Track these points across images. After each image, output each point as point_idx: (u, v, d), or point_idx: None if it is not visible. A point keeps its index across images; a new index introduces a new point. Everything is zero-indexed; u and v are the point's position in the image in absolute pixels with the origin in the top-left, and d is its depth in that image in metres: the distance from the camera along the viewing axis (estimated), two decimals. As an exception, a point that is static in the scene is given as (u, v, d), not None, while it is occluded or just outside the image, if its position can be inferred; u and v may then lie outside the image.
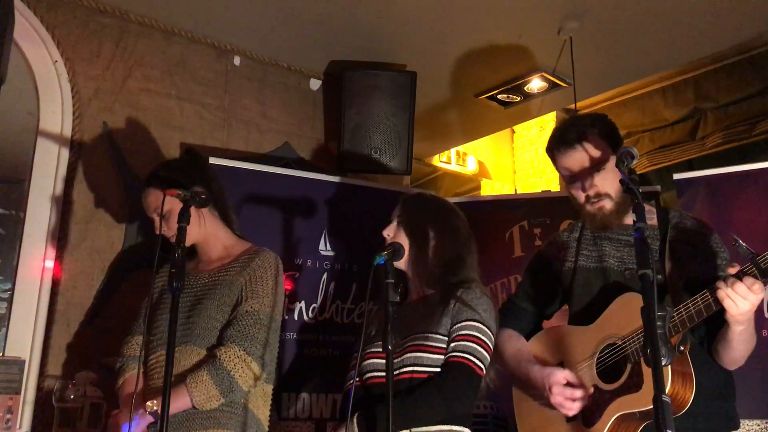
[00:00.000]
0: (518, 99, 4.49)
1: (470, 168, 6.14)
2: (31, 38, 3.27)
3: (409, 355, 2.19)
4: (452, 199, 4.26)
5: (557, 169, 2.33)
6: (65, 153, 3.27)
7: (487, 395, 3.38)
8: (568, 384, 2.12)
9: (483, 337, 2.21)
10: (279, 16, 3.67)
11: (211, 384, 2.23)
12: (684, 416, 1.92)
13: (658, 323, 1.57)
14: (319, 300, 3.49)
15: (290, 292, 3.41)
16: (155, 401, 2.20)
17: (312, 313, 3.47)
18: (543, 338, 2.39)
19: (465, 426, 2.20)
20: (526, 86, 4.34)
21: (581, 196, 2.24)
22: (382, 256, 2.08)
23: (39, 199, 3.17)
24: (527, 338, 2.42)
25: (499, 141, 6.26)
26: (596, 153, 2.19)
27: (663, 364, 1.54)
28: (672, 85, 5.31)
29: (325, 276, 3.53)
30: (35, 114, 3.26)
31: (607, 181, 2.19)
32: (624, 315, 2.08)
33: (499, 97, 4.47)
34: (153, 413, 2.20)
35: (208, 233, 2.52)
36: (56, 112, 3.29)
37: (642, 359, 1.94)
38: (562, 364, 2.23)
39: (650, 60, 4.13)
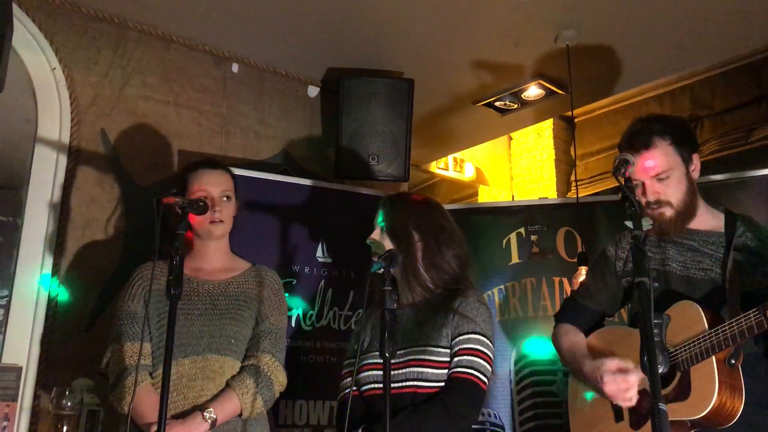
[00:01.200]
0: (515, 106, 4.50)
1: (467, 174, 6.16)
2: (30, 45, 3.27)
3: (412, 369, 2.16)
4: (449, 206, 4.27)
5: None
6: (63, 160, 3.27)
7: (485, 402, 3.38)
8: (620, 371, 2.09)
9: (485, 350, 2.19)
10: (277, 24, 3.68)
11: (258, 393, 2.32)
12: (735, 426, 1.94)
13: (655, 331, 1.58)
14: (317, 307, 3.50)
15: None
16: (212, 409, 2.22)
17: (309, 320, 3.47)
18: (600, 336, 2.37)
19: None
20: (524, 93, 4.35)
21: (642, 201, 2.21)
22: (379, 263, 2.08)
23: (37, 206, 3.17)
24: (585, 334, 2.40)
25: (497, 148, 6.27)
26: (663, 161, 2.18)
27: (659, 371, 1.54)
28: (668, 93, 5.34)
29: (322, 283, 3.54)
30: (33, 121, 3.26)
31: (670, 189, 2.19)
32: (678, 323, 2.08)
33: (496, 104, 4.48)
34: (213, 422, 2.22)
35: (222, 241, 2.52)
36: (54, 119, 3.29)
37: (690, 368, 1.98)
38: None
39: (647, 68, 4.14)
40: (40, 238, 3.15)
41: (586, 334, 2.41)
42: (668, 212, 2.20)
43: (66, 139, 3.30)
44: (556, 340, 2.44)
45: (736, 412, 1.94)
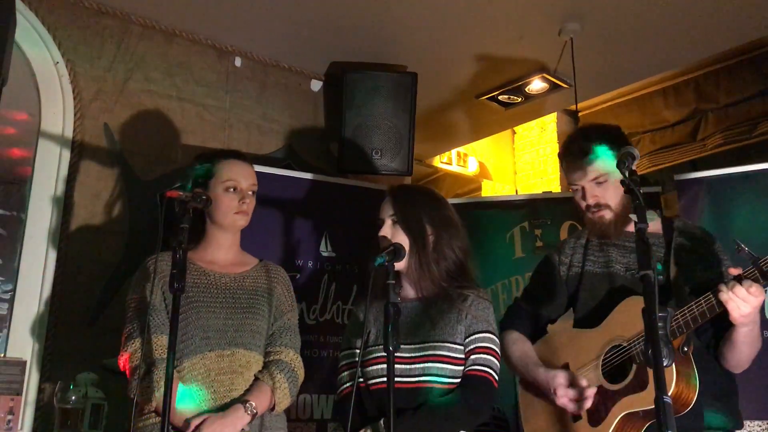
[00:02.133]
0: (519, 100, 4.49)
1: (471, 169, 6.15)
2: (33, 39, 3.28)
3: (431, 364, 2.15)
4: (453, 200, 4.26)
5: (565, 175, 2.41)
6: (66, 154, 3.27)
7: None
8: (571, 385, 2.16)
9: (496, 348, 2.23)
10: (280, 18, 3.67)
11: (287, 387, 2.32)
12: (688, 415, 1.97)
13: (659, 324, 1.58)
14: (320, 301, 3.50)
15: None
16: (252, 402, 2.21)
17: (313, 314, 3.47)
18: (548, 341, 2.42)
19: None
20: (527, 87, 4.34)
21: (582, 205, 2.33)
22: (383, 257, 2.07)
23: (40, 201, 3.17)
24: (532, 340, 2.44)
25: (500, 142, 6.26)
26: (599, 166, 2.26)
27: (664, 365, 1.55)
28: (673, 86, 5.32)
29: (325, 277, 3.54)
30: (36, 115, 3.26)
31: (609, 192, 2.27)
32: (629, 317, 2.12)
33: (499, 98, 4.47)
34: (254, 415, 2.21)
35: (238, 235, 2.51)
36: (57, 114, 3.29)
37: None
38: (567, 366, 2.27)
39: (651, 61, 4.13)
40: (43, 233, 3.15)
41: (532, 340, 2.45)
42: (608, 215, 2.28)
43: (69, 133, 3.30)
44: (504, 348, 2.41)
45: (690, 401, 1.98)
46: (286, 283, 2.54)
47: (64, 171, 3.25)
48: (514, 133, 6.33)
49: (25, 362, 2.96)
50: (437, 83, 4.28)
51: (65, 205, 3.22)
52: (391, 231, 2.29)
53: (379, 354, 2.20)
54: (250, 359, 2.32)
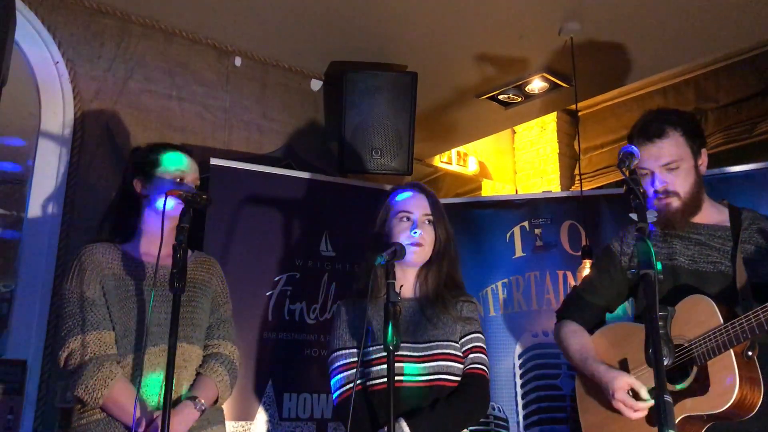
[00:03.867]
0: (519, 99, 4.49)
1: (471, 168, 6.15)
2: (33, 39, 3.28)
3: (441, 363, 2.18)
4: (453, 200, 4.27)
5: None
6: (66, 153, 3.27)
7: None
8: (632, 391, 2.10)
9: (485, 347, 2.29)
10: (280, 18, 3.67)
11: (228, 380, 2.33)
12: (752, 418, 1.95)
13: (660, 323, 1.58)
14: (320, 301, 3.50)
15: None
16: (200, 398, 2.22)
17: (313, 313, 3.47)
18: (607, 334, 2.36)
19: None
20: (527, 87, 4.34)
21: (650, 191, 2.22)
22: (383, 256, 2.07)
23: (40, 200, 3.17)
24: (590, 331, 2.40)
25: (500, 141, 6.26)
26: (674, 151, 2.20)
27: (664, 364, 1.54)
28: (673, 86, 5.32)
29: (325, 277, 3.54)
30: (37, 115, 3.26)
31: (679, 179, 2.21)
32: (691, 317, 2.07)
33: (499, 97, 4.48)
34: (203, 411, 2.22)
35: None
36: (57, 113, 3.29)
37: (708, 362, 1.98)
38: (625, 361, 2.22)
39: (651, 60, 4.13)
40: (43, 232, 3.15)
41: (590, 331, 2.41)
42: (675, 203, 2.21)
43: (69, 133, 3.30)
44: (561, 338, 2.42)
45: (755, 405, 1.95)
46: (221, 275, 2.53)
47: (64, 170, 3.25)
48: (514, 132, 6.33)
49: (25, 362, 2.96)
50: (437, 83, 4.28)
51: (65, 204, 3.22)
52: (422, 229, 2.29)
53: (383, 354, 2.14)
54: (192, 353, 2.31)
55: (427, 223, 2.30)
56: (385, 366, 2.06)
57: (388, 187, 2.74)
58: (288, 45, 3.94)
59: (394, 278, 2.04)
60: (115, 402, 2.13)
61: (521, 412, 3.49)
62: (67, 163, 3.26)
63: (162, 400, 2.15)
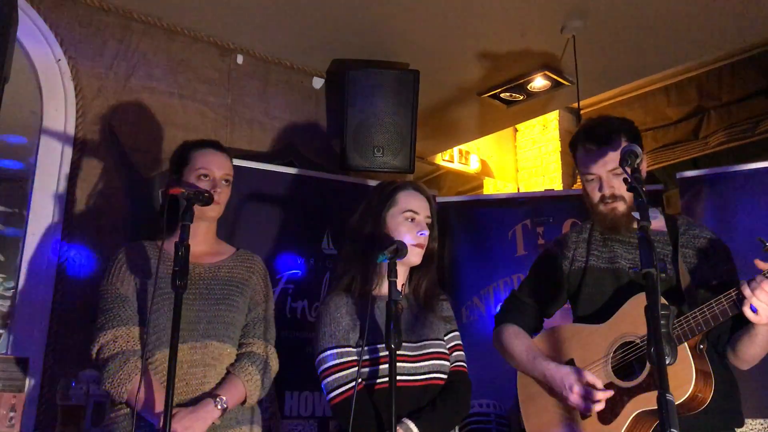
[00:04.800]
0: (521, 97, 4.49)
1: (473, 167, 6.14)
2: (35, 37, 3.28)
3: (435, 362, 2.21)
4: (455, 198, 4.27)
5: (577, 164, 2.35)
6: (68, 151, 3.27)
7: (490, 394, 3.38)
8: (588, 384, 2.12)
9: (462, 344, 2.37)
10: (282, 15, 3.67)
11: (258, 380, 2.31)
12: (699, 414, 1.97)
13: (662, 322, 1.58)
14: (322, 298, 3.49)
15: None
16: (223, 396, 2.20)
17: (315, 311, 3.47)
18: (550, 336, 2.38)
19: None
20: (529, 85, 4.34)
21: (596, 195, 2.27)
22: (385, 255, 2.07)
23: (42, 198, 3.18)
24: (531, 335, 2.42)
25: (502, 139, 6.25)
26: (619, 156, 2.20)
27: (666, 363, 1.54)
28: (675, 84, 5.31)
29: (327, 275, 3.54)
30: (38, 112, 3.26)
31: (624, 185, 2.21)
32: (640, 313, 2.07)
33: (502, 95, 4.47)
34: (224, 409, 2.19)
35: (213, 225, 2.49)
36: (59, 111, 3.29)
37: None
38: (572, 362, 2.24)
39: (653, 59, 4.12)
40: (45, 230, 3.15)
41: (531, 335, 2.42)
42: (621, 207, 2.24)
43: (71, 130, 3.30)
44: (503, 341, 2.40)
45: (706, 399, 1.97)
46: (262, 273, 2.51)
47: (66, 168, 3.26)
48: (516, 130, 6.32)
49: (27, 359, 2.96)
50: (439, 81, 4.27)
51: (67, 202, 3.23)
52: (426, 230, 2.29)
53: (385, 353, 2.10)
54: (223, 352, 2.30)
55: (427, 225, 2.30)
56: (386, 365, 2.03)
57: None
58: (290, 43, 3.94)
59: (396, 276, 2.05)
60: (139, 397, 2.14)
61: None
62: (69, 161, 3.27)
63: (186, 397, 2.19)
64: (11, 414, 2.80)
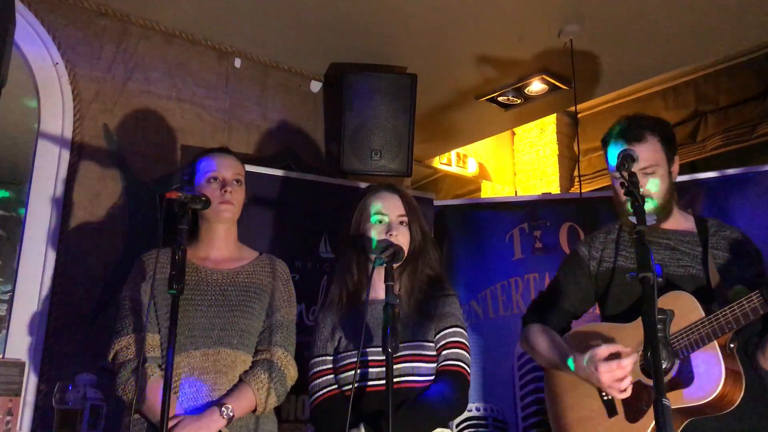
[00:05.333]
0: (519, 101, 4.49)
1: (470, 170, 6.15)
2: (32, 40, 3.27)
3: (405, 365, 2.15)
4: (452, 201, 4.27)
5: (608, 161, 2.32)
6: (66, 155, 3.27)
7: (487, 397, 3.38)
8: (612, 356, 2.06)
9: (466, 342, 2.24)
10: (280, 19, 3.67)
11: (272, 388, 2.28)
12: (729, 415, 1.96)
13: (659, 326, 1.58)
14: (319, 302, 3.49)
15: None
16: (229, 405, 2.18)
17: (312, 315, 3.47)
18: (577, 336, 2.35)
19: (446, 427, 2.19)
20: (527, 88, 4.34)
21: (624, 195, 2.21)
22: (382, 258, 2.07)
23: (40, 201, 3.17)
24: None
25: (500, 143, 6.26)
26: (651, 156, 2.22)
27: (663, 367, 1.55)
28: (672, 88, 5.32)
29: (324, 278, 3.53)
30: (36, 116, 3.26)
31: (654, 185, 2.22)
32: (673, 311, 2.09)
33: (499, 99, 4.48)
34: (230, 418, 2.18)
35: (232, 228, 2.50)
36: (57, 115, 3.29)
37: (691, 355, 1.99)
38: None
39: (650, 63, 4.13)
40: (43, 233, 3.15)
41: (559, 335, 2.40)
42: (650, 207, 2.21)
43: (69, 134, 3.30)
44: (530, 339, 2.39)
45: (736, 399, 1.96)
46: (284, 277, 2.49)
47: (64, 172, 3.25)
48: (513, 134, 6.33)
49: (24, 363, 2.96)
50: (437, 84, 4.27)
51: (64, 205, 3.22)
52: (397, 230, 2.26)
53: (352, 360, 2.20)
54: (236, 359, 2.29)
55: (401, 224, 2.28)
56: (370, 369, 2.14)
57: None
58: (288, 46, 3.95)
59: (393, 280, 2.04)
60: (149, 405, 2.16)
61: (520, 414, 3.49)
62: (67, 165, 3.26)
63: (195, 404, 2.20)
64: (8, 418, 2.79)
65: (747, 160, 4.34)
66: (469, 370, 2.21)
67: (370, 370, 2.17)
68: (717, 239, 2.24)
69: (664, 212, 2.25)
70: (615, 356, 2.07)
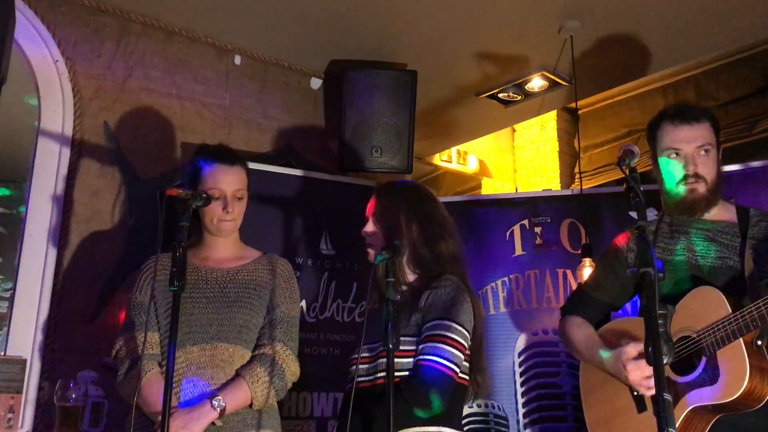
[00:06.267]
0: (519, 98, 4.49)
1: (471, 167, 6.14)
2: (32, 38, 3.27)
3: (382, 360, 2.13)
4: (453, 198, 4.27)
5: (658, 143, 2.31)
6: (66, 152, 3.27)
7: (488, 394, 3.38)
8: (641, 356, 2.06)
9: (454, 336, 2.11)
10: (280, 16, 3.67)
11: (269, 383, 2.28)
12: (761, 411, 1.96)
13: (660, 322, 1.58)
14: (320, 299, 3.50)
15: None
16: (220, 397, 2.20)
17: (313, 312, 3.47)
18: (612, 328, 2.36)
19: (445, 426, 2.13)
20: (527, 85, 4.34)
21: (679, 174, 2.25)
22: (382, 255, 2.07)
23: (40, 199, 3.17)
24: (595, 327, 2.40)
25: (500, 140, 6.26)
26: (708, 135, 2.25)
27: (664, 363, 1.55)
28: (672, 84, 5.32)
29: (325, 275, 3.54)
30: (36, 113, 3.26)
31: (708, 167, 2.24)
32: (699, 308, 2.09)
33: (499, 95, 4.47)
34: (222, 410, 2.19)
35: (233, 234, 2.52)
36: (57, 112, 3.29)
37: (717, 352, 1.99)
38: None
39: (651, 59, 4.12)
40: (43, 231, 3.15)
41: (596, 328, 2.40)
42: (701, 188, 2.24)
43: (69, 131, 3.30)
44: (565, 332, 2.42)
45: (764, 396, 1.95)
46: (286, 275, 2.50)
47: (64, 169, 3.25)
48: (514, 130, 6.32)
49: (25, 360, 2.96)
50: (437, 81, 4.27)
51: (65, 203, 3.22)
52: (372, 227, 2.33)
53: (353, 356, 2.27)
54: (233, 354, 2.30)
55: (372, 222, 2.33)
56: (361, 366, 2.18)
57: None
58: (288, 43, 3.94)
59: (394, 276, 2.04)
60: (144, 399, 2.20)
61: (521, 411, 3.49)
62: (67, 162, 3.26)
63: (192, 398, 2.22)
64: (9, 415, 2.80)
65: (747, 156, 4.33)
66: (448, 365, 2.07)
67: (360, 366, 2.21)
68: (758, 230, 2.22)
69: (709, 201, 2.25)
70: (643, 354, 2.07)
